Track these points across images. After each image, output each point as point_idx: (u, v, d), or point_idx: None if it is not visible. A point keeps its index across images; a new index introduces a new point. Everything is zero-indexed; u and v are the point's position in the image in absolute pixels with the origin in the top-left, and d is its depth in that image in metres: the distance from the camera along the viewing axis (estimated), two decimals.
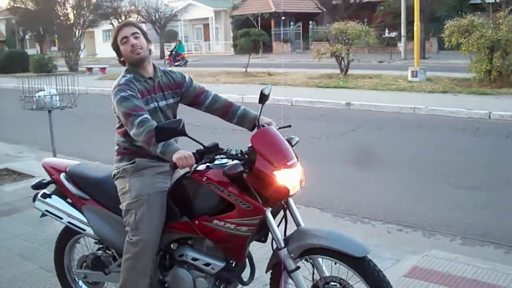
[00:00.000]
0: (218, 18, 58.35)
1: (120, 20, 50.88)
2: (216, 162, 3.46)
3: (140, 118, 3.45)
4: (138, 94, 3.63)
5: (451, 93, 17.10)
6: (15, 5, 46.27)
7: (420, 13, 22.74)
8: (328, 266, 3.55)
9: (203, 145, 3.34)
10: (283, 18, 49.64)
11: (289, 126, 4.10)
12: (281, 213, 3.67)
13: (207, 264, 3.61)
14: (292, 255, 3.39)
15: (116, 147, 3.86)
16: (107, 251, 4.18)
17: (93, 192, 4.08)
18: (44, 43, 61.28)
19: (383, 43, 39.65)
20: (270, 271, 3.60)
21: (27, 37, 65.28)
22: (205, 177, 3.44)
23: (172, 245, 3.81)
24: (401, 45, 34.52)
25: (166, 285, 3.84)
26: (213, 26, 58.68)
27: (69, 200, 4.22)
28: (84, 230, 4.08)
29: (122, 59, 3.83)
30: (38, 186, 4.25)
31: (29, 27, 53.48)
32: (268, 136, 3.48)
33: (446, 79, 19.86)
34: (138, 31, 3.83)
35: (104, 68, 35.71)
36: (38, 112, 8.63)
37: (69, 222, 4.15)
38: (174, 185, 3.74)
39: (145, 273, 3.70)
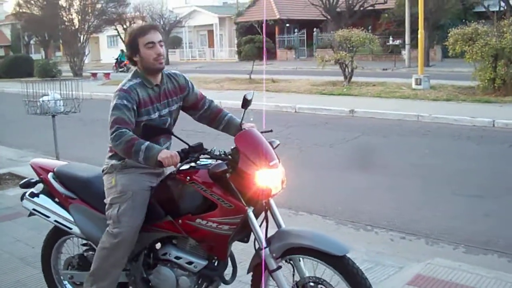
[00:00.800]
0: (222, 25, 58.43)
1: (125, 26, 51.07)
2: (200, 162, 3.55)
3: (118, 132, 3.50)
4: (134, 106, 3.63)
5: (455, 101, 17.07)
6: (21, 10, 46.45)
7: (424, 21, 22.74)
8: (310, 268, 3.59)
9: (188, 144, 3.46)
10: (287, 25, 49.72)
11: (271, 130, 4.13)
12: (264, 214, 3.71)
13: (190, 263, 3.67)
14: (274, 254, 3.46)
15: (110, 145, 3.83)
16: (93, 252, 4.15)
17: (80, 192, 4.14)
18: (49, 48, 61.41)
19: (387, 51, 39.63)
20: (252, 271, 3.65)
21: (32, 42, 65.56)
22: (188, 177, 3.52)
23: (156, 244, 3.89)
24: (405, 53, 34.50)
25: (150, 283, 3.88)
26: (217, 32, 58.74)
27: (56, 199, 4.28)
28: (71, 229, 4.14)
29: (136, 59, 3.80)
30: (26, 185, 4.32)
31: (34, 32, 53.72)
32: (251, 138, 3.57)
33: (450, 87, 19.85)
34: (162, 39, 3.84)
35: (109, 74, 35.78)
36: (42, 116, 8.64)
37: (56, 221, 4.21)
38: (159, 185, 3.79)
39: (118, 265, 3.78)
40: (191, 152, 3.45)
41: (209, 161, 3.57)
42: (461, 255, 5.75)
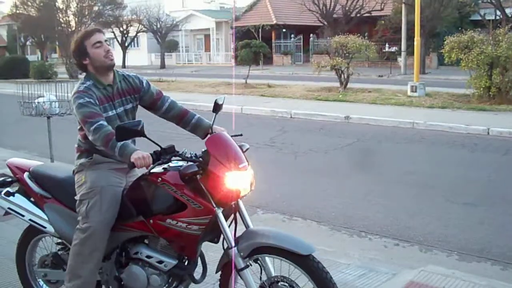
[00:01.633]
0: (219, 29, 58.46)
1: (121, 29, 51.13)
2: (172, 164, 3.67)
3: (95, 125, 3.60)
4: (96, 101, 3.76)
5: (450, 109, 17.13)
6: (17, 11, 46.50)
7: (420, 28, 22.84)
8: (277, 268, 3.70)
9: (160, 146, 3.54)
10: (284, 30, 49.85)
11: (241, 134, 4.26)
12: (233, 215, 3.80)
13: (160, 262, 3.76)
14: (242, 254, 3.55)
15: (76, 146, 4.00)
16: (67, 250, 4.24)
17: (55, 191, 4.22)
18: (45, 50, 61.38)
19: (383, 58, 39.78)
20: (220, 271, 3.74)
21: (28, 43, 65.42)
22: (160, 178, 3.63)
23: (129, 244, 3.95)
24: (401, 60, 34.60)
25: (122, 282, 3.95)
26: (214, 37, 58.77)
27: (32, 198, 4.33)
28: (45, 228, 4.20)
29: (85, 62, 3.90)
30: (2, 184, 4.40)
31: (31, 33, 53.69)
32: (221, 141, 3.67)
33: (445, 95, 19.92)
34: (107, 40, 4.02)
35: None
36: (37, 118, 8.63)
37: (30, 220, 4.27)
38: (131, 186, 3.88)
39: (91, 259, 3.82)
40: (163, 154, 3.53)
41: (181, 163, 3.65)
42: (455, 262, 5.76)
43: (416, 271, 5.14)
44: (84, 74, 3.98)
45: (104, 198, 3.79)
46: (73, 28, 39.25)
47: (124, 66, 53.71)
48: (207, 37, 60.31)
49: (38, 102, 8.38)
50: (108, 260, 3.98)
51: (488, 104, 17.25)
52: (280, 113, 17.56)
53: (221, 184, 3.46)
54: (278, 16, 50.00)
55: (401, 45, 33.91)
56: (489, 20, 34.68)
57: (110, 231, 3.82)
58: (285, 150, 11.81)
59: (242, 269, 3.56)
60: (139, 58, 60.80)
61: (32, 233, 4.49)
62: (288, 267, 3.58)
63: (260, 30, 47.13)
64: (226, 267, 3.67)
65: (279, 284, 3.59)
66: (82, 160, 3.94)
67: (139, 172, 3.87)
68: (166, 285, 3.84)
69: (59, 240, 4.33)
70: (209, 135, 3.86)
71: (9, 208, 4.36)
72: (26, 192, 4.36)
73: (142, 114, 4.10)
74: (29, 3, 44.40)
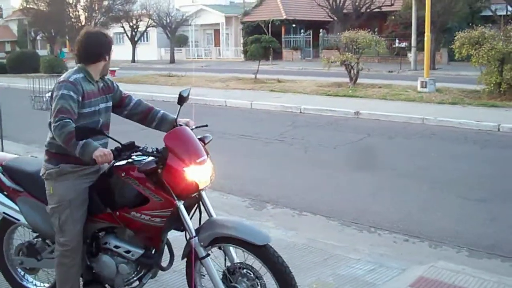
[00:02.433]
0: (229, 24, 58.42)
1: (131, 24, 51.17)
2: (138, 159, 3.80)
3: (63, 121, 3.70)
4: (80, 97, 3.85)
5: (460, 105, 17.05)
6: (28, 6, 46.62)
7: (431, 24, 22.72)
8: (241, 254, 3.85)
9: (120, 143, 3.71)
10: (293, 25, 49.73)
11: (206, 125, 4.39)
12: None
13: (128, 251, 3.93)
14: (202, 243, 3.73)
15: (46, 148, 4.07)
16: (43, 240, 4.43)
17: (27, 185, 4.34)
18: (55, 44, 61.53)
19: (393, 53, 39.61)
20: (186, 258, 3.91)
21: (38, 37, 65.64)
22: (124, 173, 3.79)
23: (100, 233, 4.12)
24: (411, 56, 34.46)
25: (94, 271, 4.14)
26: (223, 31, 58.75)
27: (5, 192, 4.45)
28: (19, 220, 4.37)
29: (105, 61, 4.08)
30: None
31: (41, 28, 53.84)
32: (180, 136, 3.83)
33: (455, 91, 19.82)
34: None
35: (114, 71, 35.71)
36: (48, 112, 8.66)
37: (4, 213, 4.45)
38: (99, 179, 4.01)
39: (74, 265, 4.02)
40: (124, 150, 3.69)
41: (148, 157, 3.77)
42: (465, 258, 5.75)
43: (426, 266, 5.13)
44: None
45: (75, 210, 3.94)
46: (83, 23, 39.37)
47: (133, 61, 53.84)
48: (216, 32, 60.31)
49: (49, 96, 8.41)
50: None
51: (499, 100, 17.17)
52: (290, 108, 17.54)
53: (180, 179, 3.62)
54: (288, 11, 49.92)
55: (411, 41, 33.77)
56: (500, 15, 34.56)
57: None
58: (295, 145, 11.81)
59: (204, 257, 3.74)
60: (149, 53, 60.87)
61: (7, 224, 4.63)
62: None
63: (270, 25, 47.07)
64: (190, 254, 3.81)
65: (240, 270, 3.74)
66: (50, 168, 4.00)
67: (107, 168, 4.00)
68: (135, 273, 4.02)
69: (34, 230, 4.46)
70: (172, 130, 3.94)
71: None
72: None
73: None
74: None
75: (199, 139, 3.94)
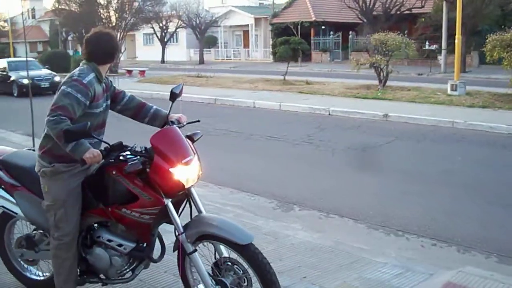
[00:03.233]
0: (258, 25, 58.49)
1: (161, 25, 51.48)
2: (130, 157, 3.87)
3: (59, 117, 3.78)
4: (88, 101, 3.94)
5: (491, 108, 16.83)
6: (59, 6, 47.08)
7: (461, 26, 22.49)
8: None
9: (108, 144, 3.85)
10: (323, 27, 49.58)
11: (198, 121, 4.46)
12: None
13: (120, 245, 4.08)
14: (189, 240, 3.86)
15: (42, 143, 4.15)
16: (40, 232, 4.59)
17: (24, 180, 4.48)
18: None
19: (423, 56, 39.29)
20: (177, 250, 4.02)
21: (69, 38, 66.30)
22: (114, 171, 3.89)
23: (95, 225, 4.28)
24: (441, 58, 34.14)
25: (89, 261, 4.28)
26: (252, 33, 58.83)
27: (3, 186, 4.60)
28: (16, 214, 4.54)
29: (114, 59, 4.28)
30: None
31: (72, 28, 54.26)
32: (166, 136, 3.92)
33: (486, 94, 19.56)
34: None
35: (144, 71, 36.06)
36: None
37: (2, 206, 4.62)
38: (92, 176, 4.13)
39: (68, 258, 4.18)
40: (112, 151, 3.83)
41: (136, 157, 3.84)
42: (494, 264, 5.68)
43: (454, 272, 5.08)
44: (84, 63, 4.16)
45: (70, 208, 4.09)
46: (114, 24, 39.62)
47: (163, 61, 54.19)
48: (245, 33, 60.40)
49: None
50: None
51: None
52: (318, 110, 17.50)
53: (166, 179, 3.74)
54: (317, 13, 49.79)
55: (441, 43, 33.45)
56: None
57: None
58: (322, 147, 11.78)
59: (191, 253, 3.87)
60: (178, 53, 61.20)
61: (6, 217, 4.80)
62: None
63: (299, 26, 47.01)
64: (180, 248, 3.95)
65: (227, 265, 3.87)
66: (44, 166, 4.12)
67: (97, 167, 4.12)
68: (127, 265, 4.18)
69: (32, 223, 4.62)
70: (153, 134, 3.94)
71: None
72: None
73: None
74: None
75: (188, 136, 4.05)
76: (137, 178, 3.82)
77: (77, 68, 4.11)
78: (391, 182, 9.00)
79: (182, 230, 3.87)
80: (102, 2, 40.41)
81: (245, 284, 3.83)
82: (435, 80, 26.80)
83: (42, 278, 4.88)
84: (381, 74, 22.12)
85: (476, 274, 4.99)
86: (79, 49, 62.59)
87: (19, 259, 4.87)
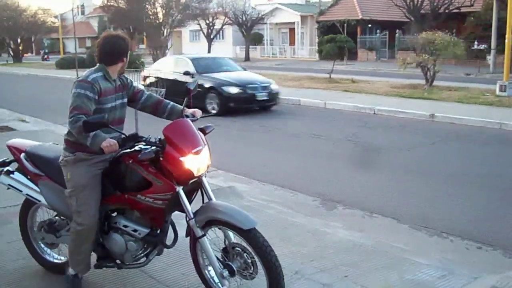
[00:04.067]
0: (304, 23, 58.38)
1: (207, 21, 51.78)
2: (144, 147, 4.13)
3: (76, 117, 4.10)
4: (96, 96, 4.25)
5: None
6: (108, 3, 47.79)
7: None
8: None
9: (124, 134, 4.16)
10: (369, 25, 49.23)
11: (212, 114, 4.62)
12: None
13: (135, 230, 4.35)
14: (198, 224, 4.14)
15: (65, 137, 4.49)
16: (62, 218, 4.92)
17: (47, 170, 4.78)
18: (133, 41, 62.85)
19: (472, 55, 38.61)
20: (189, 236, 4.34)
21: None
22: (131, 160, 4.18)
23: (113, 214, 4.55)
24: (490, 58, 33.58)
25: (106, 247, 4.55)
26: (298, 30, 58.74)
27: (28, 176, 4.92)
28: (40, 201, 4.84)
29: (122, 61, 4.46)
30: (2, 164, 5.03)
31: (120, 24, 55.00)
32: (178, 128, 4.16)
33: None
34: None
35: None
36: None
37: (27, 194, 4.92)
38: (110, 166, 4.40)
39: (86, 242, 4.46)
40: (127, 141, 4.11)
41: (151, 146, 4.10)
42: None
43: (499, 276, 5.01)
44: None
45: (89, 193, 4.36)
46: (161, 20, 40.02)
47: None
48: (291, 30, 60.35)
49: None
50: None
51: None
52: (363, 109, 17.40)
53: (177, 167, 3.99)
54: (364, 11, 49.46)
55: (490, 43, 32.92)
56: None
57: None
58: (367, 147, 11.71)
59: (200, 237, 4.15)
60: (224, 50, 61.36)
61: (30, 204, 5.12)
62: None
63: (345, 24, 46.75)
64: (191, 234, 4.27)
65: (235, 250, 4.14)
66: (67, 155, 4.44)
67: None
68: (142, 250, 4.47)
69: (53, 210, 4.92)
70: (165, 126, 4.19)
71: (9, 184, 5.00)
72: (23, 170, 4.95)
73: None
74: None
75: (200, 129, 4.30)
76: (151, 166, 4.07)
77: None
78: (435, 183, 8.90)
79: (192, 216, 4.13)
80: None
81: (251, 269, 4.10)
82: (483, 80, 26.36)
83: (58, 261, 5.20)
84: (428, 73, 21.86)
85: None
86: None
87: (40, 242, 5.20)
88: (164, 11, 40.37)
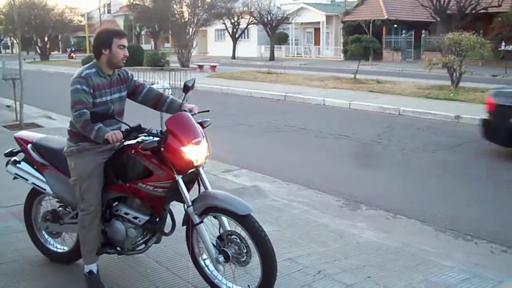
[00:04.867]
0: (329, 23, 58.19)
1: (232, 21, 51.86)
2: (146, 138, 4.39)
3: (80, 111, 4.34)
4: (91, 90, 4.48)
5: None
6: (134, 2, 48.11)
7: None
8: (233, 224, 4.36)
9: (128, 126, 4.32)
10: (395, 26, 48.92)
11: (207, 111, 4.93)
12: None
13: (136, 218, 4.58)
14: (196, 212, 4.34)
15: (69, 128, 4.70)
16: (66, 208, 5.15)
17: (52, 160, 5.01)
18: (158, 39, 63.24)
19: (499, 56, 38.25)
20: (185, 225, 4.56)
21: (143, 32, 67.64)
22: (133, 150, 4.43)
23: (114, 202, 4.78)
24: None
25: (108, 234, 4.78)
26: (324, 30, 58.56)
27: (34, 166, 5.15)
28: (45, 190, 5.06)
29: (105, 52, 4.60)
30: (10, 154, 5.29)
31: (146, 23, 55.55)
32: (179, 120, 4.38)
33: None
34: None
35: (214, 66, 36.45)
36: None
37: (33, 183, 5.14)
38: (113, 156, 4.64)
39: (92, 228, 4.67)
40: (131, 132, 4.29)
41: (153, 137, 4.33)
42: None
43: None
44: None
45: (92, 181, 4.58)
46: (186, 19, 40.11)
47: (234, 57, 54.55)
48: (316, 30, 60.18)
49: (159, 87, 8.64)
50: None
51: None
52: (388, 110, 17.32)
53: (178, 156, 4.19)
54: (389, 11, 49.18)
55: None
56: None
57: None
58: (391, 147, 11.66)
59: (197, 224, 4.36)
60: (249, 49, 61.52)
61: (35, 194, 5.35)
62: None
63: (370, 24, 46.52)
64: (189, 222, 4.47)
65: (230, 237, 4.34)
66: (71, 146, 4.67)
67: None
68: (141, 237, 4.71)
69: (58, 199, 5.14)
70: (169, 116, 4.45)
71: (16, 173, 5.23)
72: (29, 160, 5.18)
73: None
74: None
75: (199, 123, 4.51)
76: (153, 156, 4.29)
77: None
78: (460, 185, 8.85)
79: (190, 203, 4.35)
80: None
81: (245, 255, 4.30)
82: (510, 81, 26.06)
83: (61, 250, 5.44)
84: (454, 74, 21.68)
85: None
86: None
87: (44, 232, 5.44)
88: (189, 10, 40.45)
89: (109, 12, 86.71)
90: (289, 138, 12.96)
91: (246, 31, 56.83)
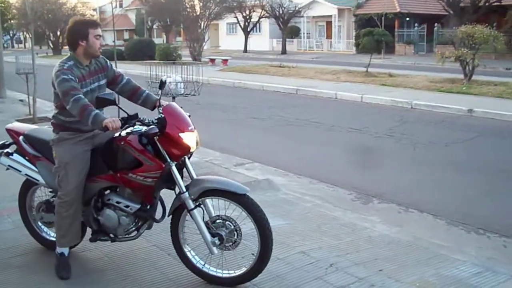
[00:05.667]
0: (341, 16, 58.00)
1: (244, 14, 51.80)
2: (134, 130, 4.42)
3: (75, 97, 4.43)
4: (76, 79, 4.57)
5: None
6: None
7: None
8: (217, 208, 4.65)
9: (127, 113, 4.44)
10: (407, 19, 48.70)
11: (181, 107, 4.82)
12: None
13: (127, 206, 4.72)
14: (192, 197, 4.48)
15: (52, 120, 4.88)
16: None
17: (44, 151, 5.10)
18: (170, 33, 63.24)
19: None
20: (171, 214, 4.72)
21: (154, 26, 67.69)
22: (123, 142, 4.54)
23: (106, 192, 4.91)
24: None
25: (100, 222, 4.90)
26: (335, 24, 58.37)
27: (26, 157, 5.25)
28: (38, 180, 5.19)
29: (82, 43, 4.67)
30: (2, 146, 5.39)
31: (157, 17, 55.56)
32: (174, 109, 4.58)
33: None
34: None
35: (226, 60, 36.45)
36: (163, 98, 8.92)
37: (26, 174, 5.26)
38: (103, 147, 4.75)
39: (68, 216, 4.79)
40: (129, 119, 4.41)
41: (141, 128, 4.41)
42: None
43: None
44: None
45: (70, 171, 4.69)
46: (198, 13, 40.08)
47: (245, 51, 54.50)
48: (328, 24, 60.00)
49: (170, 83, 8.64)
50: (88, 205, 4.91)
51: None
52: (400, 103, 17.27)
53: (177, 143, 4.37)
54: (402, 4, 48.94)
55: None
56: None
57: (88, 183, 4.79)
58: (404, 141, 11.64)
59: (193, 209, 4.49)
60: (261, 43, 61.49)
61: (29, 185, 5.48)
62: (224, 206, 4.58)
63: (383, 18, 46.31)
64: (177, 210, 4.65)
65: (219, 220, 4.56)
66: (53, 136, 4.84)
67: (103, 136, 4.76)
68: (133, 224, 4.83)
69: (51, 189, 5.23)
70: (164, 105, 4.60)
71: (9, 165, 5.34)
72: (22, 152, 5.28)
73: None
74: None
75: None
76: (142, 147, 4.44)
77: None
78: (473, 179, 8.82)
79: (184, 189, 4.48)
80: None
81: (235, 235, 4.51)
82: None
83: (55, 239, 5.40)
84: (467, 68, 21.57)
85: None
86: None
87: (39, 222, 5.55)
88: (201, 3, 40.43)
89: (121, 6, 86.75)
90: (301, 132, 12.96)
91: (257, 24, 56.80)
